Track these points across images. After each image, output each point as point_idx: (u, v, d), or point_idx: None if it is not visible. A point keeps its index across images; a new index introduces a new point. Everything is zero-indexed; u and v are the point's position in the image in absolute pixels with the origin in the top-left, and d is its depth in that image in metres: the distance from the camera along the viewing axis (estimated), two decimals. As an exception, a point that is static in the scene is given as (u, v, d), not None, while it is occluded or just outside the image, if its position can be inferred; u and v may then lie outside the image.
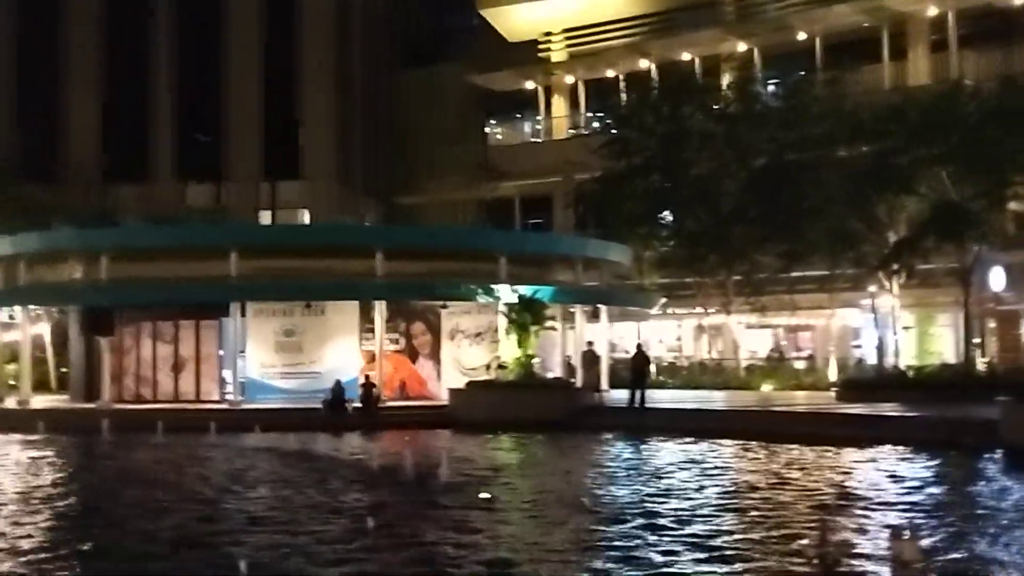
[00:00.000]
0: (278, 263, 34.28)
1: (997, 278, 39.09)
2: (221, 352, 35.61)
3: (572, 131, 56.93)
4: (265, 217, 53.82)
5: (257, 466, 20.86)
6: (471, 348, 35.68)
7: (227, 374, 35.20)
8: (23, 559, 11.29)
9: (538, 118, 58.70)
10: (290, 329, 34.66)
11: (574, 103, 57.48)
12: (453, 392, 32.61)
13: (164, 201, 52.67)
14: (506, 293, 33.53)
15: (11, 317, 38.63)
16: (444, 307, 35.50)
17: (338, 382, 32.08)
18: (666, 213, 46.81)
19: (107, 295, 34.64)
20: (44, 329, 42.09)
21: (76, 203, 50.48)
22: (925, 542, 11.09)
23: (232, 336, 34.32)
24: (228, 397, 34.45)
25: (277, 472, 19.81)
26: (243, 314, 34.22)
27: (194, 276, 34.01)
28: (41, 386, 40.46)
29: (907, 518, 13.20)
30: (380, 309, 34.31)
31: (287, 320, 34.68)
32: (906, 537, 10.50)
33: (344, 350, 34.67)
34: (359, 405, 31.60)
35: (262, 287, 34.56)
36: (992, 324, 43.60)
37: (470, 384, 32.62)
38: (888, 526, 11.74)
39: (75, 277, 37.56)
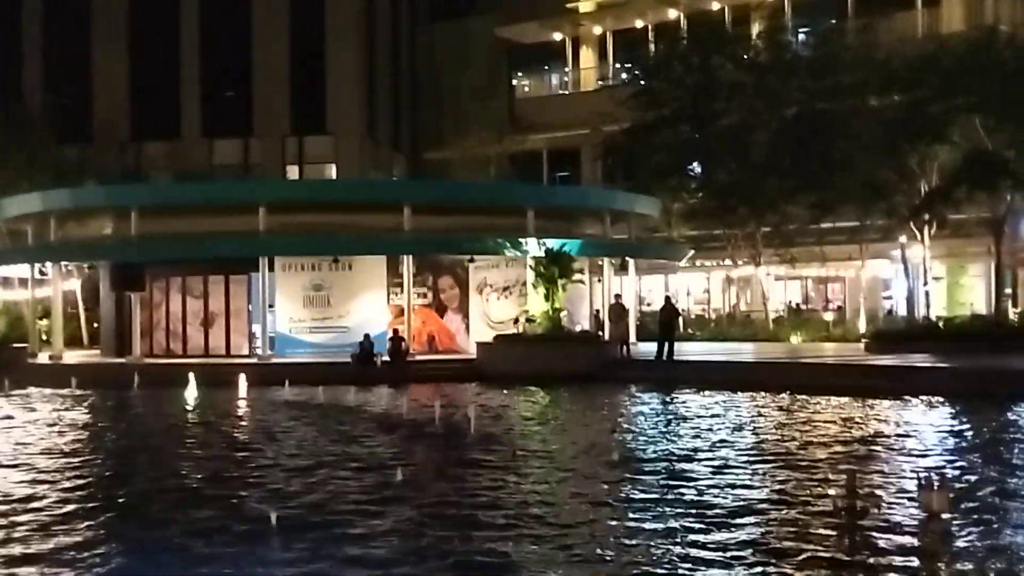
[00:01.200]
0: (306, 218, 34.35)
1: (1030, 228, 38.67)
2: (250, 307, 35.80)
3: (600, 83, 56.47)
4: (293, 172, 53.92)
5: (287, 419, 21.00)
6: (499, 302, 35.70)
7: (256, 329, 35.40)
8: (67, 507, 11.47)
9: (566, 70, 58.25)
10: (318, 284, 34.78)
11: (602, 54, 56.99)
12: (481, 345, 32.67)
13: (192, 158, 52.84)
14: (534, 247, 33.45)
15: (43, 273, 38.99)
16: (472, 261, 35.49)
17: (367, 336, 32.19)
18: (695, 164, 46.53)
19: (137, 251, 34.83)
20: (75, 285, 42.48)
21: (105, 161, 50.71)
22: (954, 493, 11.02)
23: (261, 291, 34.48)
24: (257, 351, 34.67)
25: (306, 425, 19.94)
26: (271, 269, 34.33)
27: (223, 231, 34.11)
28: (73, 341, 40.93)
29: (936, 469, 13.12)
30: (408, 263, 34.33)
31: (315, 275, 34.79)
32: (935, 487, 10.45)
33: (372, 304, 34.78)
34: (388, 359, 31.72)
35: (290, 242, 34.67)
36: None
37: (498, 338, 32.66)
38: (917, 477, 11.66)
39: (105, 233, 37.81)
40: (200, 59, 55.37)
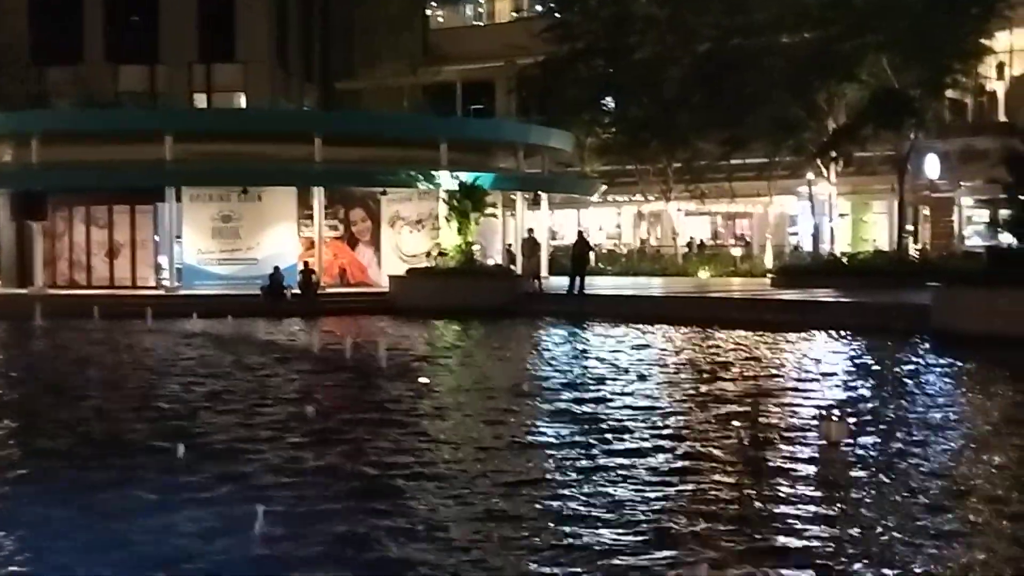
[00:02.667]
0: (214, 148, 33.64)
1: (932, 166, 39.58)
2: (157, 238, 35.13)
3: (515, 15, 56.04)
4: (200, 101, 52.71)
5: (192, 351, 20.76)
6: (411, 235, 35.52)
7: (163, 260, 34.80)
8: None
9: (480, 1, 57.64)
10: (227, 215, 34.20)
11: (517, -14, 56.48)
12: (393, 279, 32.54)
13: (96, 84, 51.28)
14: (447, 180, 33.29)
15: (-61, 202, 37.73)
16: (384, 194, 35.22)
17: (277, 268, 31.83)
18: (608, 99, 46.56)
19: (39, 179, 33.87)
20: (-26, 214, 41.16)
21: (5, 86, 49.00)
22: (852, 422, 11.34)
23: (168, 222, 33.82)
24: (164, 283, 34.12)
25: (212, 357, 19.72)
26: (178, 199, 33.67)
27: (128, 160, 33.30)
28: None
29: (836, 400, 13.48)
30: (319, 195, 33.95)
31: (224, 206, 34.19)
32: (834, 418, 10.74)
33: (282, 236, 34.34)
34: (298, 292, 31.46)
35: (197, 172, 33.99)
36: (926, 211, 44.25)
37: (410, 271, 32.56)
38: (818, 407, 11.99)
39: (5, 161, 36.67)
40: (104, -19, 53.56)
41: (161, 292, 33.12)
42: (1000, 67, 42.08)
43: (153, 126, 34.42)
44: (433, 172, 33.64)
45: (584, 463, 10.07)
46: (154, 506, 8.57)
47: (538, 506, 8.53)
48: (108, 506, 8.59)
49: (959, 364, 17.72)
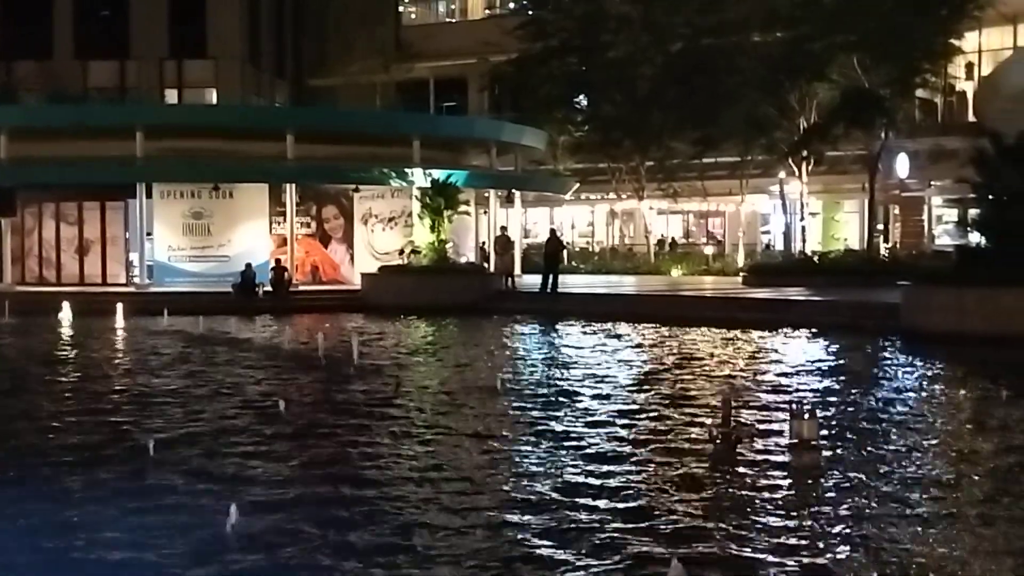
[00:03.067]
0: (185, 144, 33.52)
1: (902, 165, 39.86)
2: (127, 234, 34.93)
3: (488, 11, 56.03)
4: (171, 97, 52.36)
5: (161, 348, 20.63)
6: (384, 232, 35.48)
7: (134, 257, 34.61)
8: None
9: (453, -3, 57.61)
10: (198, 211, 34.07)
11: (490, -17, 56.46)
12: (366, 276, 32.49)
13: (65, 79, 50.80)
14: (419, 177, 33.26)
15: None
16: (356, 191, 35.15)
17: (248, 265, 31.71)
18: (581, 97, 46.62)
19: (7, 175, 33.63)
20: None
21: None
22: (822, 420, 11.39)
23: (138, 218, 33.63)
24: (135, 280, 33.92)
25: (181, 355, 19.60)
26: (149, 196, 33.50)
27: (98, 156, 33.07)
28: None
29: (807, 398, 13.55)
30: (291, 192, 33.84)
31: (195, 202, 34.06)
32: (805, 416, 10.78)
33: (254, 233, 34.24)
34: (270, 289, 31.35)
35: (168, 168, 33.84)
36: (896, 210, 44.57)
37: (383, 268, 32.52)
38: (789, 406, 12.02)
39: (-28, 156, 36.34)
40: (73, -25, 53.09)
41: (132, 289, 32.91)
42: (969, 67, 42.47)
43: (123, 121, 34.20)
44: (406, 169, 33.61)
45: (553, 458, 10.07)
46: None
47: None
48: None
49: (927, 362, 17.83)
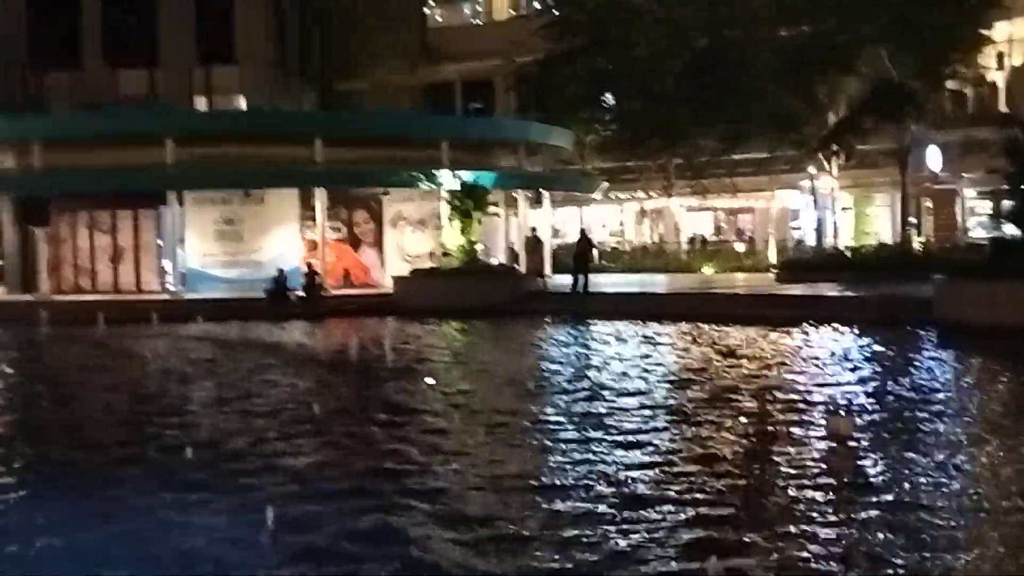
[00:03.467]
0: (216, 150, 33.66)
1: (933, 157, 39.58)
2: (160, 242, 35.20)
3: (512, 12, 56.01)
4: (200, 104, 52.73)
5: (199, 355, 20.81)
6: (414, 235, 35.55)
7: (167, 264, 34.87)
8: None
9: (479, -1, 57.71)
10: (230, 218, 34.26)
11: (515, -17, 56.49)
12: (397, 279, 32.58)
13: (96, 88, 51.26)
14: (448, 179, 33.31)
15: (-58, 209, 37.76)
16: (386, 194, 35.26)
17: (280, 271, 31.89)
18: (608, 95, 46.58)
19: (41, 184, 33.94)
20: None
21: (5, 90, 49.05)
22: (859, 418, 11.37)
23: (171, 225, 33.89)
24: (169, 287, 34.18)
25: (218, 360, 19.76)
26: (181, 203, 33.74)
27: (130, 164, 33.34)
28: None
29: (843, 394, 13.51)
30: (321, 196, 34.00)
31: (226, 209, 34.26)
32: (842, 413, 10.78)
33: (285, 238, 34.39)
34: (302, 294, 31.51)
35: (199, 175, 34.01)
36: (928, 203, 44.26)
37: (414, 271, 32.59)
38: (825, 403, 12.02)
39: (7, 167, 36.71)
40: (101, -14, 53.57)
41: (166, 296, 33.17)
42: (1000, 57, 42.11)
43: (154, 129, 34.41)
44: (434, 172, 33.66)
45: (599, 463, 10.11)
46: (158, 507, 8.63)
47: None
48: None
49: (960, 355, 17.72)
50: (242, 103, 52.95)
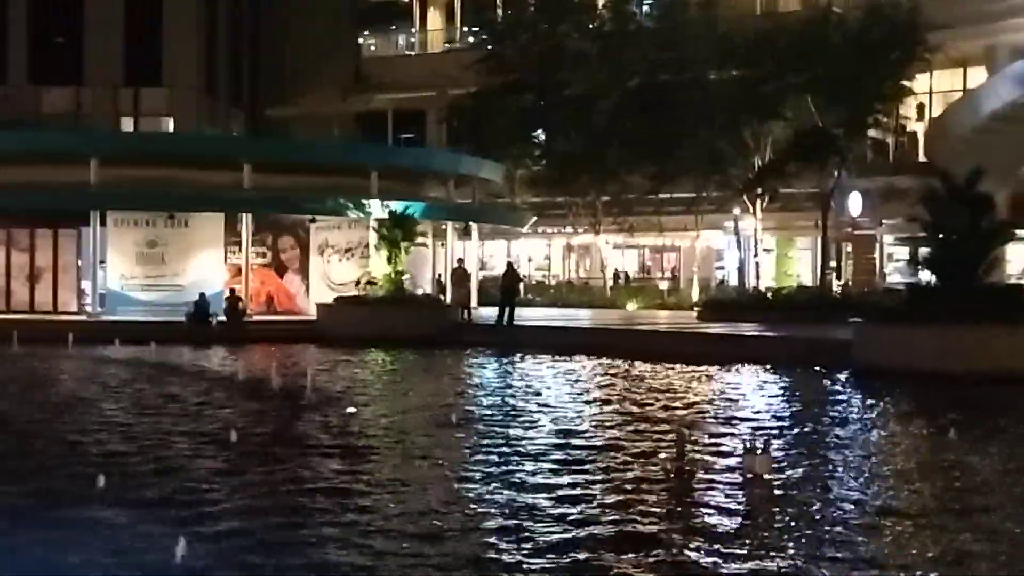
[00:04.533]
0: (140, 172, 33.27)
1: (854, 203, 40.40)
2: (80, 262, 34.59)
3: (447, 45, 56.30)
4: (127, 125, 52.07)
5: (110, 378, 20.40)
6: (340, 263, 35.36)
7: (86, 285, 34.25)
8: None
9: (413, 30, 57.84)
10: (152, 240, 33.77)
11: (449, 16, 56.77)
12: (321, 307, 32.34)
13: (20, 105, 50.39)
14: (377, 208, 33.24)
15: None
16: (313, 221, 35.05)
17: (202, 295, 31.47)
18: (539, 132, 46.90)
19: (-42, 201, 33.15)
20: None
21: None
22: (775, 456, 11.47)
23: (91, 246, 33.31)
24: (87, 309, 33.56)
25: (131, 385, 19.39)
26: (103, 224, 33.21)
27: (52, 183, 32.77)
28: None
29: (760, 433, 13.63)
30: (246, 222, 33.69)
31: (149, 231, 33.77)
32: (758, 452, 10.86)
33: (209, 263, 33.98)
34: (224, 319, 31.12)
35: (123, 196, 33.55)
36: (848, 248, 45.11)
37: (339, 299, 32.38)
38: (742, 440, 12.11)
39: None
40: (28, 1, 52.78)
41: (83, 318, 32.55)
42: (920, 108, 43.23)
43: (78, 148, 33.92)
44: (363, 200, 33.59)
45: (506, 492, 10.05)
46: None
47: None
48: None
49: (877, 399, 17.98)
50: (170, 126, 52.40)
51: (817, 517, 9.28)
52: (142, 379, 20.37)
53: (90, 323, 31.39)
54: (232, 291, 32.19)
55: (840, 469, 11.69)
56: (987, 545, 8.38)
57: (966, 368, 19.58)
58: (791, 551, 8.22)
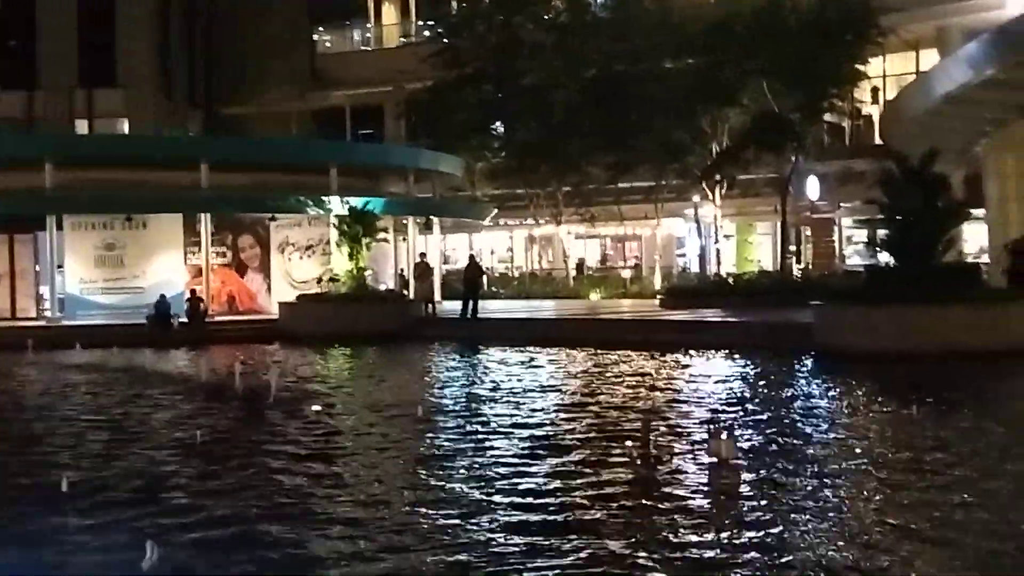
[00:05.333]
0: (96, 175, 32.93)
1: (812, 187, 40.71)
2: (37, 267, 34.23)
3: (403, 39, 56.08)
4: (82, 127, 51.50)
5: (71, 383, 20.23)
6: (302, 261, 35.20)
7: (44, 290, 33.90)
8: None
9: (368, 26, 57.58)
10: (111, 243, 33.48)
11: (404, 11, 56.57)
12: (283, 306, 32.21)
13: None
14: (337, 205, 33.12)
15: None
16: (273, 219, 34.87)
17: (163, 296, 31.25)
18: (498, 124, 46.88)
19: (-90, 208, 32.69)
20: None
21: None
22: (740, 440, 11.57)
23: (48, 251, 32.97)
24: (46, 314, 33.22)
25: (93, 388, 19.24)
26: (59, 228, 32.87)
27: (6, 188, 32.36)
28: None
29: (725, 418, 13.74)
30: (205, 222, 33.47)
31: (107, 234, 33.47)
32: (723, 435, 10.94)
33: (168, 264, 33.74)
34: (185, 320, 30.91)
35: (79, 200, 33.20)
36: (807, 231, 45.46)
37: (301, 297, 32.25)
38: (707, 425, 12.19)
39: None
40: (-22, 4, 52.06)
41: (43, 323, 32.23)
42: (875, 92, 43.59)
43: (32, 152, 33.52)
44: (323, 197, 33.44)
45: (474, 484, 10.08)
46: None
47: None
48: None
49: (838, 381, 18.14)
50: (125, 127, 51.90)
51: (784, 497, 9.37)
52: (103, 384, 20.21)
53: (50, 328, 31.08)
54: (193, 292, 31.98)
55: (805, 448, 11.81)
56: (959, 508, 8.52)
57: (926, 347, 19.83)
58: (760, 530, 8.29)
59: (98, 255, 33.42)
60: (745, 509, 9.14)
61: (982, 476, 10.11)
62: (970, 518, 8.53)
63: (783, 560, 7.57)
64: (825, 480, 10.17)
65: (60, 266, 33.09)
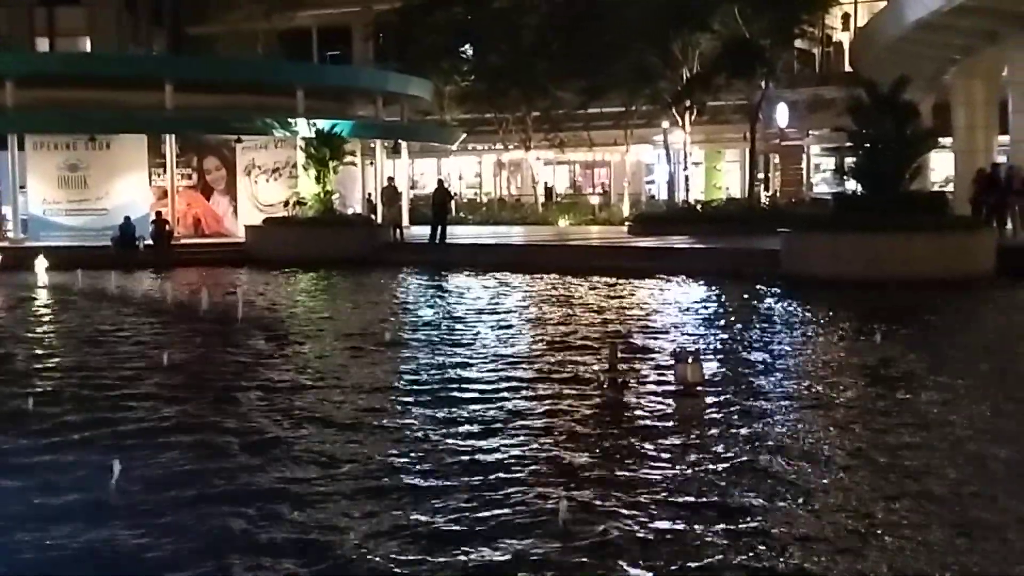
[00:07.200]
0: (59, 94, 32.38)
1: (782, 114, 40.69)
2: (0, 188, 33.75)
3: (371, -41, 55.12)
4: (43, 45, 50.50)
5: (36, 303, 20.07)
6: (268, 184, 34.89)
7: (7, 211, 33.48)
8: None
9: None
10: (74, 164, 33.03)
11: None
12: (250, 229, 31.98)
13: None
14: (304, 127, 32.78)
15: None
16: (239, 141, 34.48)
17: (127, 219, 30.93)
18: (467, 47, 46.39)
19: None
20: None
21: None
22: (707, 364, 11.65)
23: (10, 171, 32.47)
24: (9, 235, 32.84)
25: (58, 309, 19.11)
26: (21, 148, 32.37)
27: (-35, 107, 31.81)
28: None
29: (691, 342, 13.83)
30: (171, 143, 33.05)
31: (70, 154, 33.01)
32: (690, 360, 11.02)
33: (133, 186, 33.37)
34: (151, 243, 30.66)
35: (41, 119, 32.68)
36: (776, 159, 45.53)
37: (267, 221, 32.03)
38: (673, 351, 12.27)
39: None
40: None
41: (5, 244, 31.88)
42: (846, 18, 43.46)
43: (-8, 71, 32.90)
44: (289, 119, 33.08)
45: (441, 409, 10.13)
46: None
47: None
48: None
49: (804, 306, 18.30)
50: (87, 46, 50.98)
51: (750, 422, 9.47)
52: (69, 305, 20.06)
53: (12, 248, 30.73)
54: (159, 214, 31.67)
55: (770, 372, 11.93)
56: (916, 431, 8.65)
57: (891, 274, 20.02)
58: (726, 455, 8.39)
59: (61, 175, 33.00)
60: (710, 433, 9.22)
61: (939, 389, 10.27)
62: (912, 438, 8.69)
63: (733, 473, 7.67)
64: (788, 397, 10.31)
65: (22, 186, 32.65)
